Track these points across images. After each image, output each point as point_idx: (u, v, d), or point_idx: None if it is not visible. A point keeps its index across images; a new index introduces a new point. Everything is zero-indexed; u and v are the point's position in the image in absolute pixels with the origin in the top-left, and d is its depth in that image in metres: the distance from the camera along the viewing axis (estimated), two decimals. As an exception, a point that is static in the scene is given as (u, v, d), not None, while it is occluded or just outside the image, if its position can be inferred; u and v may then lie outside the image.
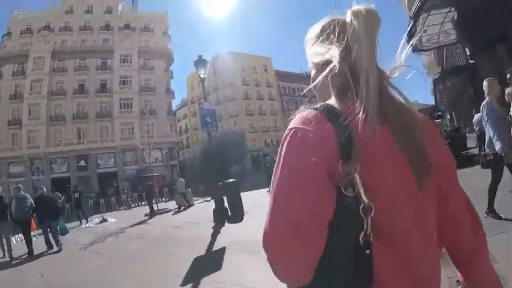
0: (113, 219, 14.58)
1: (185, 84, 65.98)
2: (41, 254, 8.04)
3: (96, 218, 14.64)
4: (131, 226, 11.68)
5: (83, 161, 37.70)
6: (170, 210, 15.23)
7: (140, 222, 12.47)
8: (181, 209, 14.84)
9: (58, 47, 40.74)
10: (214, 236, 7.40)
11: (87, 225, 13.78)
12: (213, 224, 8.83)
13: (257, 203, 9.98)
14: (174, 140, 44.61)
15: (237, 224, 8.51)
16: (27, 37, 40.86)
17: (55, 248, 8.23)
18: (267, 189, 10.54)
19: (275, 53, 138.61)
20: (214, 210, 9.27)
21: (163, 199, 23.75)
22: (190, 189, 17.13)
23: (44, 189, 9.43)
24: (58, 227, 8.68)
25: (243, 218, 9.13)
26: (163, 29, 47.90)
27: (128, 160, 39.06)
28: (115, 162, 39.05)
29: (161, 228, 10.31)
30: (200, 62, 10.00)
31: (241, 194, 10.10)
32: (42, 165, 35.65)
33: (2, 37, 41.10)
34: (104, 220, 14.25)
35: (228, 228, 8.29)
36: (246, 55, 58.41)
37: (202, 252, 6.14)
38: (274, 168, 0.71)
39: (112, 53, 42.19)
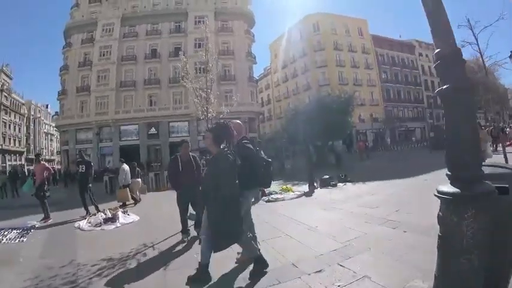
0: (131, 217, 7.49)
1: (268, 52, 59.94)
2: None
3: (101, 213, 7.54)
4: (130, 255, 4.50)
5: (153, 129, 34.32)
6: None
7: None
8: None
9: (128, 13, 38.60)
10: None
11: (80, 224, 6.98)
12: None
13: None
14: (255, 109, 38.76)
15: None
16: (96, 6, 39.45)
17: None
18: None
19: (371, 16, 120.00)
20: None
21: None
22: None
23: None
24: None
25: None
26: (242, -13, 42.30)
27: (202, 129, 33.81)
28: (188, 130, 34.76)
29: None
30: None
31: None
32: (111, 132, 33.61)
33: (71, 8, 40.51)
34: (110, 220, 7.14)
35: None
36: (337, 16, 50.50)
37: None
38: None
39: (186, 16, 38.35)
